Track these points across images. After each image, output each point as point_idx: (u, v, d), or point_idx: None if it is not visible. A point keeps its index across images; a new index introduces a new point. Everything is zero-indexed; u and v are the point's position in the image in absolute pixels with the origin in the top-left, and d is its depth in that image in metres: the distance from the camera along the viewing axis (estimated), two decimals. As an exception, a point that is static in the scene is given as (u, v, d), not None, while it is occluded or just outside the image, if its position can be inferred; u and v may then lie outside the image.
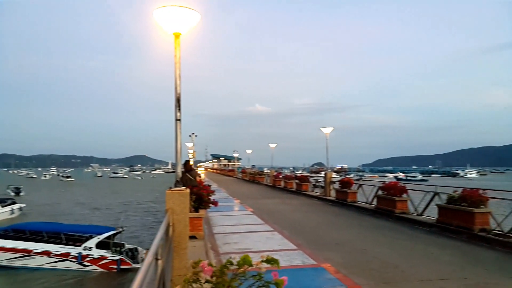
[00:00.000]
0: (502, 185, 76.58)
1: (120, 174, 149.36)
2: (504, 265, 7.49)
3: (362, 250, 8.77)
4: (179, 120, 6.16)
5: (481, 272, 6.93)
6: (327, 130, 24.54)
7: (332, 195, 20.70)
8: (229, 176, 66.77)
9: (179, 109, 6.19)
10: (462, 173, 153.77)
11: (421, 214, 13.18)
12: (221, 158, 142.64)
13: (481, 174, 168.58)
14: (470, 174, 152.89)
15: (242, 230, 11.26)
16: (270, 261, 2.23)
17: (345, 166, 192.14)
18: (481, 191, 10.43)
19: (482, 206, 10.15)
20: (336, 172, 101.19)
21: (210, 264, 2.54)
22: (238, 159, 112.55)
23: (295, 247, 8.88)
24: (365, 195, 17.33)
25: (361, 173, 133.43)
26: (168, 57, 6.41)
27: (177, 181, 6.13)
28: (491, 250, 8.74)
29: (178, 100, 6.18)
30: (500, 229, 9.78)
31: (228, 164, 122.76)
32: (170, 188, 6.03)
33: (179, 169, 6.32)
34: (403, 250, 8.81)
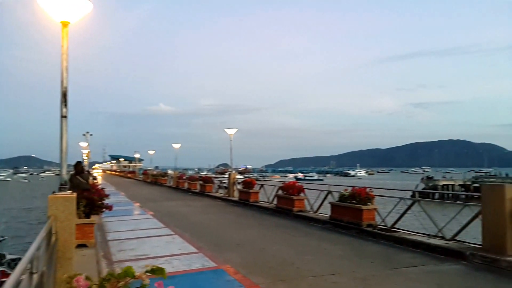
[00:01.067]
0: (386, 183, 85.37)
1: (1, 177, 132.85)
2: (387, 257, 8.20)
3: (262, 249, 8.92)
4: (65, 116, 5.58)
5: (367, 265, 7.49)
6: (231, 131, 24.76)
7: (236, 195, 20.90)
8: (130, 178, 63.69)
9: (65, 105, 5.61)
10: (353, 173, 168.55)
11: (316, 211, 13.95)
12: (120, 159, 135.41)
13: (369, 174, 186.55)
14: (360, 173, 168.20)
15: (140, 235, 10.69)
16: (155, 270, 2.03)
17: (249, 167, 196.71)
18: (368, 189, 11.37)
19: (369, 203, 11.06)
20: (241, 172, 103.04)
21: (87, 278, 2.25)
22: (140, 160, 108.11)
23: (196, 250, 8.68)
24: (267, 195, 17.81)
25: (264, 174, 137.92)
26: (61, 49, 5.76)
27: (61, 184, 5.52)
28: (377, 244, 9.54)
29: (64, 95, 5.60)
30: (384, 224, 10.75)
31: (129, 166, 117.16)
32: (54, 192, 5.41)
33: (65, 171, 5.70)
34: (299, 247, 9.16)
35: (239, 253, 8.46)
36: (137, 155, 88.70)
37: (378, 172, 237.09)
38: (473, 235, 9.00)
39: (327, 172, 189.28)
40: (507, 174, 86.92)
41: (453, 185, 66.23)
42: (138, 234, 10.95)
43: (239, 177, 28.44)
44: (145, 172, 55.59)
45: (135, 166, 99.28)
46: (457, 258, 7.77)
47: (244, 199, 18.88)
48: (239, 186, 20.51)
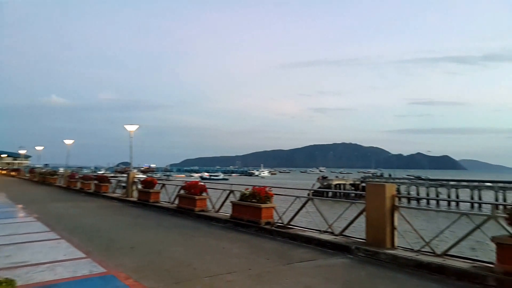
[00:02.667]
0: (285, 183, 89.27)
1: None
2: (281, 253, 8.48)
3: (158, 251, 8.57)
4: None
5: (263, 261, 7.66)
6: (131, 128, 23.57)
7: (135, 196, 19.94)
8: (13, 176, 57.07)
9: None
10: (256, 173, 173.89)
11: (218, 211, 13.94)
12: (3, 156, 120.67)
13: (272, 174, 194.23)
14: (263, 173, 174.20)
15: (20, 241, 9.51)
16: (2, 282, 1.74)
17: (153, 165, 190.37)
18: (267, 189, 11.68)
19: (268, 202, 11.36)
20: (143, 172, 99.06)
21: None
22: (27, 157, 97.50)
23: (84, 256, 7.98)
24: (168, 195, 17.31)
25: (168, 173, 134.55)
26: None
27: None
28: (274, 241, 9.82)
29: None
30: (281, 222, 11.13)
31: (13, 163, 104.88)
32: None
33: None
34: (197, 248, 9.02)
35: (133, 257, 8.01)
36: (22, 151, 79.86)
37: (280, 172, 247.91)
38: (360, 230, 9.78)
39: (233, 172, 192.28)
40: (390, 175, 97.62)
41: (344, 184, 71.92)
42: (16, 239, 9.73)
43: (141, 176, 27.24)
44: (31, 170, 50.22)
45: (20, 163, 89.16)
46: (344, 252, 8.36)
47: (144, 199, 18.09)
48: (139, 186, 19.61)
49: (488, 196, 54.08)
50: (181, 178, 68.41)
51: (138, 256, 8.14)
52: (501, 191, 54.15)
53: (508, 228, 6.19)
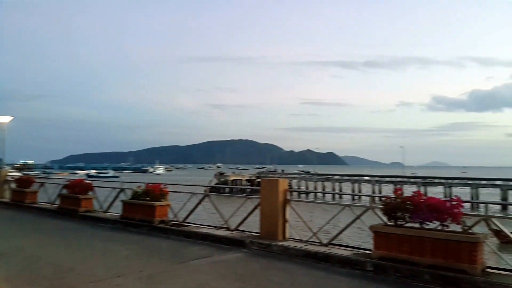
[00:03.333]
0: (182, 179, 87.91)
1: None
2: (175, 252, 8.23)
3: (36, 257, 7.63)
4: None
5: (156, 262, 7.33)
6: (3, 120, 20.75)
7: (7, 196, 17.58)
8: None
9: None
10: (151, 169, 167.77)
11: (106, 211, 13.01)
12: None
13: (168, 170, 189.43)
14: (158, 170, 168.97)
15: None
16: None
17: (30, 162, 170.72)
18: (162, 186, 11.25)
19: (162, 200, 10.95)
20: (18, 169, 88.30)
21: None
22: None
23: None
24: (48, 195, 15.64)
25: (48, 170, 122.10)
26: None
27: None
28: (168, 240, 9.50)
29: None
30: (176, 219, 10.83)
31: None
32: None
33: None
34: (82, 251, 8.28)
35: (4, 266, 7.00)
36: None
37: (177, 168, 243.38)
38: (255, 225, 9.98)
39: (125, 169, 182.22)
40: (282, 170, 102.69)
41: (241, 180, 73.63)
42: None
43: (16, 174, 24.18)
44: None
45: None
46: (239, 247, 8.45)
47: (18, 200, 16.05)
48: (13, 185, 17.36)
49: (367, 188, 60.34)
50: (63, 176, 62.70)
51: (10, 264, 7.14)
52: (377, 184, 60.92)
53: (384, 217, 6.88)
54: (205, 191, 11.17)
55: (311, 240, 8.17)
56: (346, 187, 62.57)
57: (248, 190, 42.17)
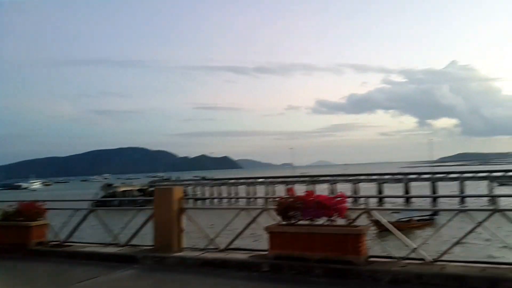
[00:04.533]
0: (63, 194, 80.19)
1: None
2: (56, 277, 7.35)
3: None
4: None
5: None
6: None
7: None
8: None
9: None
10: (25, 185, 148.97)
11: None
12: None
13: (46, 185, 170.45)
14: (34, 185, 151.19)
15: None
16: None
17: None
18: (39, 203, 9.99)
19: (39, 219, 9.71)
20: None
21: None
22: None
23: None
24: None
25: None
26: None
27: None
28: (48, 263, 8.40)
29: None
30: (57, 240, 9.69)
31: None
32: None
33: None
34: None
35: None
36: None
37: (57, 182, 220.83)
38: (150, 238, 9.43)
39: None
40: (177, 177, 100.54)
41: (132, 190, 69.91)
42: None
43: None
44: None
45: None
46: (131, 263, 7.87)
47: None
48: None
49: (261, 190, 62.37)
50: None
51: None
52: (271, 185, 63.44)
53: (278, 217, 7.06)
54: (90, 205, 10.24)
55: (208, 247, 8.02)
56: (242, 191, 63.86)
57: (140, 201, 40.20)
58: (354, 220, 6.60)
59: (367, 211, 6.89)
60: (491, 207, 6.14)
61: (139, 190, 69.97)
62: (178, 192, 8.39)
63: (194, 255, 7.63)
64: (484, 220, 6.04)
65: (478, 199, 39.22)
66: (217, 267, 7.18)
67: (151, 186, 69.04)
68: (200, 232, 8.27)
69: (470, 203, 38.67)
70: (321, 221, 6.65)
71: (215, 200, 57.46)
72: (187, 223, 8.40)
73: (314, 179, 64.26)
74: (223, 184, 69.12)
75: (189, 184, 70.93)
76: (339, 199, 6.55)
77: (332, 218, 6.50)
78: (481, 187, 49.87)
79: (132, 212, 9.61)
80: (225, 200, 55.56)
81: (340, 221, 6.59)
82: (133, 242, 8.96)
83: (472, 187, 51.57)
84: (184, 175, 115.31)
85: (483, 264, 5.94)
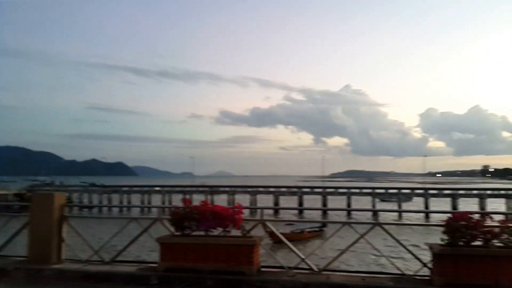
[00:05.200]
0: None
1: None
2: None
3: None
4: None
5: None
6: None
7: None
8: None
9: None
10: None
11: None
12: None
13: None
14: None
15: None
16: None
17: None
18: None
19: None
20: None
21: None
22: None
23: None
24: None
25: None
26: None
27: None
28: None
29: None
30: None
31: None
32: None
33: None
34: None
35: None
36: None
37: None
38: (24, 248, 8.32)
39: None
40: (61, 182, 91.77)
41: (6, 195, 62.00)
42: None
43: None
44: None
45: None
46: (1, 277, 6.85)
47: None
48: None
49: (157, 199, 60.26)
50: None
51: None
52: (168, 195, 61.71)
53: (172, 228, 6.78)
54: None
55: (92, 259, 7.36)
56: (136, 199, 60.98)
57: (15, 206, 35.81)
58: (249, 231, 6.64)
59: (262, 222, 6.99)
60: (373, 221, 6.67)
61: (15, 194, 62.35)
62: (59, 198, 7.57)
63: (75, 268, 6.92)
64: (366, 233, 6.55)
65: (363, 213, 43.41)
66: (101, 280, 6.60)
67: (29, 191, 62.11)
68: (84, 243, 7.55)
69: (356, 216, 42.69)
70: (217, 232, 6.56)
71: (105, 209, 54.02)
72: (69, 233, 7.61)
73: (213, 190, 64.38)
74: (114, 191, 65.20)
75: (75, 190, 65.34)
76: (235, 210, 6.53)
77: (227, 229, 6.45)
78: (366, 202, 55.10)
79: (4, 218, 8.40)
80: (116, 209, 52.43)
81: (236, 232, 6.58)
82: (3, 252, 7.82)
83: (358, 202, 56.69)
84: (70, 179, 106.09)
85: (364, 274, 6.41)
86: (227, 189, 63.67)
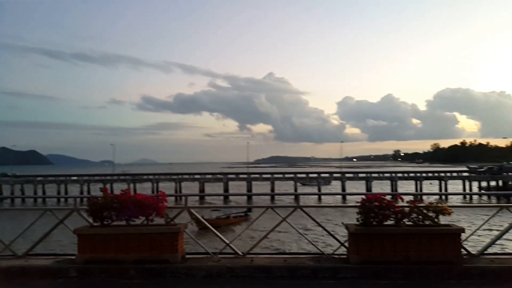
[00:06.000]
0: None
1: None
2: None
3: None
4: None
5: None
6: None
7: None
8: None
9: None
10: None
11: None
12: None
13: None
14: None
15: None
16: None
17: None
18: None
19: None
20: None
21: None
22: None
23: None
24: None
25: None
26: None
27: None
28: None
29: None
30: None
31: None
32: None
33: None
34: None
35: None
36: None
37: None
38: None
39: None
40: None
41: None
42: None
43: None
44: None
45: None
46: None
47: None
48: None
49: (74, 190, 56.70)
50: None
51: None
52: (86, 184, 58.35)
53: (89, 218, 6.44)
54: None
55: (3, 254, 6.76)
56: (51, 190, 56.82)
57: None
58: (172, 219, 6.54)
59: (187, 209, 6.93)
60: (294, 204, 6.94)
61: None
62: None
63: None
64: (287, 216, 6.81)
65: (287, 196, 44.99)
66: (15, 276, 6.09)
67: None
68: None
69: (280, 200, 44.13)
70: (139, 221, 6.37)
71: (18, 201, 49.67)
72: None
73: (136, 178, 62.25)
74: (27, 181, 60.26)
75: (-18, 182, 59.25)
76: (158, 197, 6.38)
77: (150, 217, 6.29)
78: (289, 186, 57.14)
79: None
80: (30, 201, 48.44)
81: (160, 221, 6.44)
82: None
83: (281, 186, 58.60)
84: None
85: (286, 255, 6.69)
86: (150, 177, 62.07)
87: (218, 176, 61.75)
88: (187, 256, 6.49)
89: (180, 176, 61.62)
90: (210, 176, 62.36)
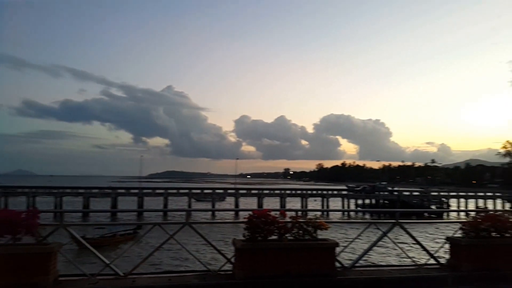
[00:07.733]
0: None
1: None
2: None
3: None
4: None
5: None
6: None
7: None
8: None
9: None
10: None
11: None
12: None
13: None
14: None
15: None
16: None
17: None
18: None
19: None
20: None
21: None
22: None
23: None
24: None
25: None
26: None
27: None
28: None
29: None
30: None
31: None
32: None
33: None
34: None
35: None
36: None
37: None
38: None
39: None
40: None
41: None
42: None
43: None
44: None
45: None
46: None
47: None
48: None
49: None
50: None
51: None
52: None
53: None
54: None
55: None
56: None
57: None
58: (45, 237, 5.91)
59: (63, 227, 6.34)
60: (183, 221, 6.81)
61: None
62: None
63: None
64: (175, 233, 6.66)
65: (180, 213, 43.89)
66: None
67: None
68: None
69: (172, 217, 42.83)
70: (4, 240, 5.62)
71: None
72: None
73: (8, 191, 55.04)
74: None
75: None
76: (29, 214, 5.72)
77: (18, 236, 5.59)
78: (183, 202, 55.96)
79: None
80: None
81: (30, 240, 5.76)
82: None
83: (175, 202, 57.10)
84: None
85: (171, 274, 6.49)
86: (26, 190, 55.44)
87: (106, 190, 57.77)
88: (61, 278, 5.89)
89: (61, 190, 56.16)
90: (96, 190, 57.97)
